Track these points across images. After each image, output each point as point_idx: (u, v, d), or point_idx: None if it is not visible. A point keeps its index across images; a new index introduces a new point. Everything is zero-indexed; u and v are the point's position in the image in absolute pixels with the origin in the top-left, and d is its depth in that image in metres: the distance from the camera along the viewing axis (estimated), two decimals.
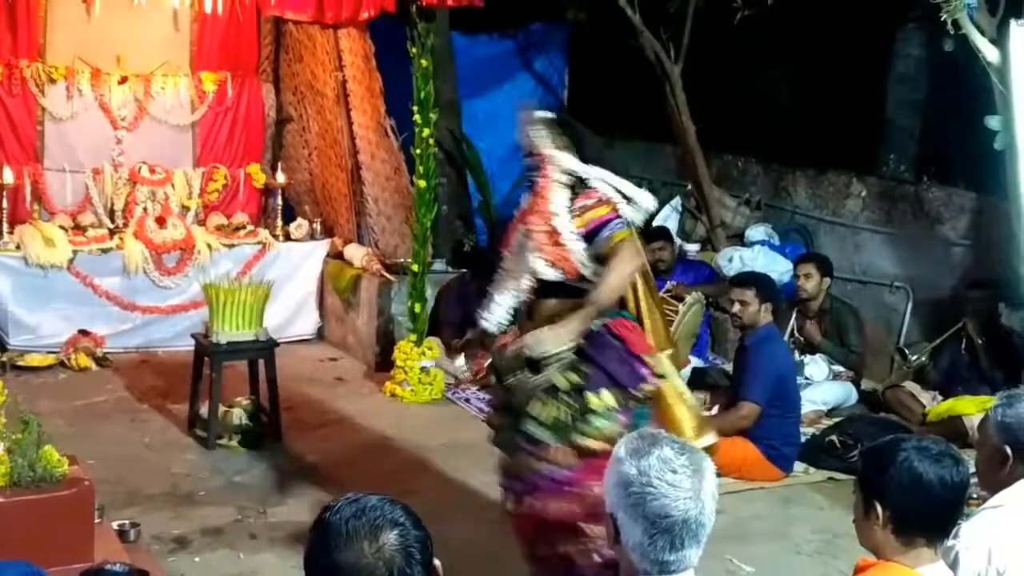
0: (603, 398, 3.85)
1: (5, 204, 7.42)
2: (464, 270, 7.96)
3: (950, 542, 2.74)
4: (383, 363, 7.38)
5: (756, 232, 8.50)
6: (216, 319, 6.06)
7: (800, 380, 6.75)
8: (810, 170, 8.58)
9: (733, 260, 8.02)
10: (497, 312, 4.22)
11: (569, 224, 4.01)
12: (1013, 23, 5.41)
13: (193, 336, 6.40)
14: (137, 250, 7.63)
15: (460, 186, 9.36)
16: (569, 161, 4.19)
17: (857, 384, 7.14)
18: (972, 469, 2.82)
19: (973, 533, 2.88)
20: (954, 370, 6.78)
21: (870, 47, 8.09)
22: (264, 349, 6.19)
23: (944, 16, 5.64)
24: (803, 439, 6.17)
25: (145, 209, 7.95)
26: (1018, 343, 6.65)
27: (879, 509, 2.52)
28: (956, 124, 7.17)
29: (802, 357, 7.05)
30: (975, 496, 3.46)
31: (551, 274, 4.01)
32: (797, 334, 7.14)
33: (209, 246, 7.84)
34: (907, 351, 7.05)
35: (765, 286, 5.94)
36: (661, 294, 7.21)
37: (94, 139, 8.03)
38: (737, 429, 5.85)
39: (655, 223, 8.89)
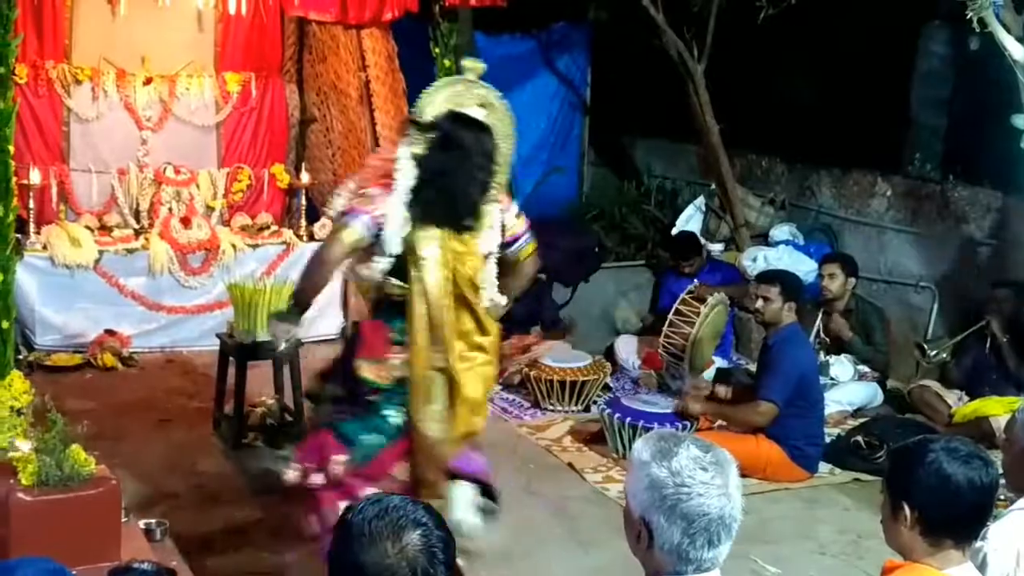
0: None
1: (32, 205, 7.47)
2: None
3: (978, 543, 2.72)
4: None
5: (780, 232, 8.46)
6: (241, 319, 6.09)
7: (825, 380, 6.73)
8: (835, 169, 8.54)
9: (757, 260, 7.99)
10: None
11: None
12: None
13: (218, 336, 6.43)
14: (162, 250, 7.67)
15: None
16: None
17: (883, 384, 7.10)
18: (1000, 470, 2.80)
19: (1001, 535, 2.86)
20: (978, 371, 6.74)
21: (895, 45, 8.03)
22: (288, 349, 6.20)
23: (970, 14, 5.61)
24: (828, 440, 6.15)
25: (170, 209, 7.99)
26: None
27: (907, 510, 2.50)
28: (982, 123, 7.11)
29: (827, 357, 7.02)
30: (1003, 497, 3.44)
31: None
32: (823, 334, 7.10)
33: (234, 246, 7.87)
34: (926, 346, 7.00)
35: (790, 285, 5.92)
36: (683, 295, 7.24)
37: (119, 140, 8.08)
38: (750, 425, 5.88)
39: (679, 225, 8.87)
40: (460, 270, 4.17)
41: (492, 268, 4.33)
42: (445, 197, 4.13)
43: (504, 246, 4.42)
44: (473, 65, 4.42)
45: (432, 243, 4.12)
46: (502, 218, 4.37)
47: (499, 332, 4.40)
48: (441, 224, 4.13)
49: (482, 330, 4.27)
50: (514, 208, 4.51)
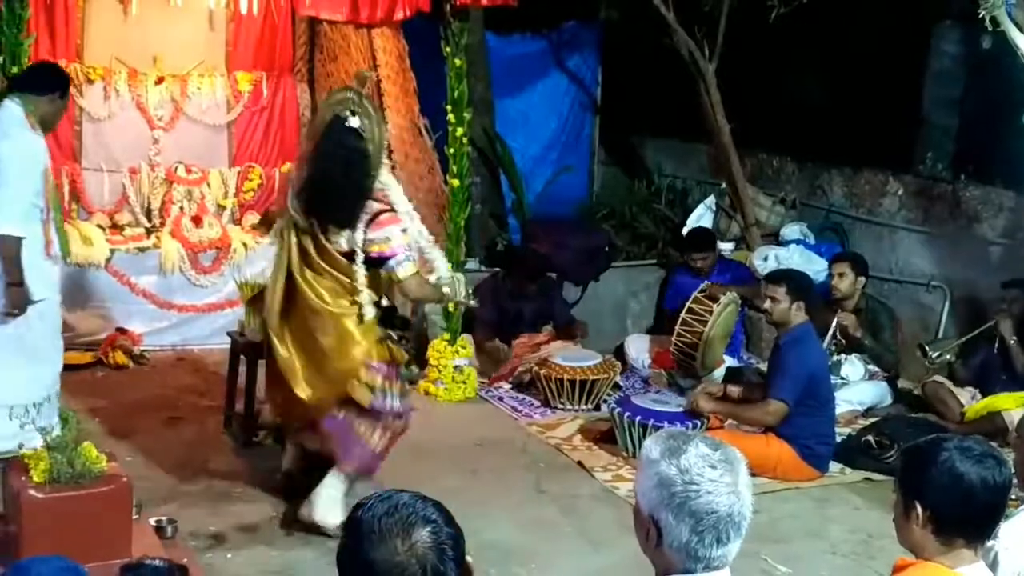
0: None
1: None
2: (497, 269, 7.97)
3: (990, 542, 2.72)
4: (417, 361, 7.40)
5: (791, 231, 8.45)
6: (251, 317, 6.09)
7: (836, 380, 6.71)
8: (846, 168, 8.53)
9: (768, 259, 7.98)
10: None
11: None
12: None
13: (229, 334, 6.44)
14: (173, 249, 7.69)
15: (494, 185, 9.36)
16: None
17: (893, 384, 7.08)
18: (1012, 469, 2.79)
19: (1013, 534, 2.85)
20: (987, 371, 6.71)
21: (906, 44, 8.02)
22: None
23: (982, 13, 5.60)
24: (839, 439, 6.14)
25: (181, 208, 8.01)
26: None
27: (919, 509, 2.50)
28: (994, 122, 7.09)
29: (839, 357, 7.00)
30: (1015, 497, 3.43)
31: None
32: (839, 335, 7.05)
33: (244, 245, 7.89)
34: (928, 347, 6.96)
35: (798, 284, 5.89)
36: (695, 293, 7.23)
37: (131, 139, 8.09)
38: (760, 424, 5.90)
39: (690, 224, 8.86)
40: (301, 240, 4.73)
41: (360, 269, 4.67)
42: (317, 193, 4.67)
43: (370, 261, 4.67)
44: (363, 75, 5.02)
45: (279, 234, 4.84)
46: (364, 231, 4.62)
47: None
48: (315, 215, 4.68)
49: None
50: (390, 229, 4.67)
